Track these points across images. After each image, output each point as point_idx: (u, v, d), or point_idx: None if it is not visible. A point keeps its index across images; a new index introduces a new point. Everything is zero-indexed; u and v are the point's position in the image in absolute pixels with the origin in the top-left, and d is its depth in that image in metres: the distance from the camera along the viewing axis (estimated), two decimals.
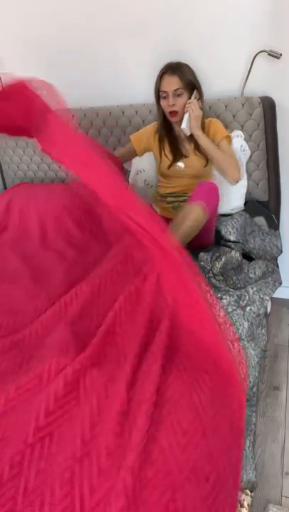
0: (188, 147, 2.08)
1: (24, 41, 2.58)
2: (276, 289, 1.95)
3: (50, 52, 2.55)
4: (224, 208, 2.16)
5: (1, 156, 2.91)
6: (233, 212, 2.15)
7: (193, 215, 1.80)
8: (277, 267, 2.09)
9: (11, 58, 2.65)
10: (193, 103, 1.94)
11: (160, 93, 1.95)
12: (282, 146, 2.24)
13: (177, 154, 2.07)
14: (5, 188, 2.99)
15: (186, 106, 1.95)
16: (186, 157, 2.07)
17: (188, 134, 1.99)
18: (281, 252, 2.14)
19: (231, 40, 2.15)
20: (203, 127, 1.99)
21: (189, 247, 1.87)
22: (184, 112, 1.96)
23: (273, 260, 2.07)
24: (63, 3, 2.40)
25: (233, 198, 2.17)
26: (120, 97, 2.44)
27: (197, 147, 2.03)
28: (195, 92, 1.97)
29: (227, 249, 1.82)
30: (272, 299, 1.98)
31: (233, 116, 2.18)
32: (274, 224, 2.22)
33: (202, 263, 1.79)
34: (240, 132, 2.16)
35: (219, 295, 1.68)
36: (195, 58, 2.21)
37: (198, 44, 2.21)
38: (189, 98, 1.96)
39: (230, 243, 1.95)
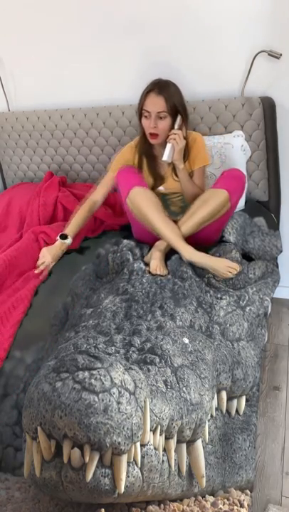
0: (166, 169, 2.00)
1: (23, 42, 2.58)
2: (275, 289, 1.95)
3: (50, 53, 2.55)
4: None
5: (1, 156, 2.91)
6: None
7: (216, 200, 1.78)
8: (277, 267, 2.09)
9: (11, 58, 2.65)
10: (178, 134, 1.83)
11: (142, 111, 1.86)
12: (282, 146, 2.24)
13: (157, 179, 1.99)
14: (5, 188, 2.99)
15: (170, 136, 1.84)
16: (164, 181, 2.00)
17: (169, 162, 1.90)
18: (281, 251, 2.14)
19: (231, 40, 2.15)
20: (186, 141, 1.90)
21: (192, 244, 1.88)
22: (167, 141, 1.86)
23: (273, 261, 2.07)
24: (64, 3, 2.40)
25: None
26: (120, 97, 2.44)
27: (176, 172, 1.94)
28: (179, 118, 1.86)
29: (227, 248, 1.82)
30: (272, 299, 1.98)
31: (233, 116, 2.18)
32: (274, 224, 2.22)
33: None
34: (240, 132, 2.16)
35: (219, 295, 1.68)
36: (195, 58, 2.22)
37: (198, 44, 2.21)
38: (173, 122, 1.85)
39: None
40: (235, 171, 1.89)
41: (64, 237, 2.04)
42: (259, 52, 2.10)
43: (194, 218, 1.81)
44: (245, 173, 2.18)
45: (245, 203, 2.22)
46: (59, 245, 2.03)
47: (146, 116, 1.85)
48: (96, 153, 2.59)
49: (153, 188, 1.98)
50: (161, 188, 2.00)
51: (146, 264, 1.78)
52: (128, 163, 2.00)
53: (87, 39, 2.43)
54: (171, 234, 1.79)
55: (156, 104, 1.82)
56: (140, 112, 1.87)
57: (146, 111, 1.84)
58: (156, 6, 2.22)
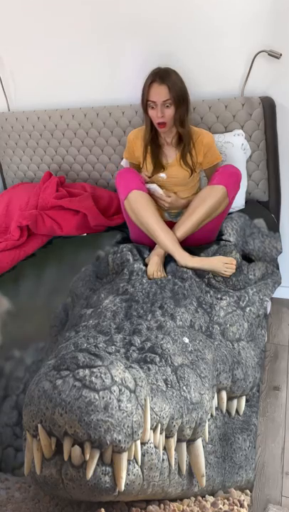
0: (173, 156, 1.98)
1: (23, 42, 2.58)
2: (275, 290, 1.95)
3: (50, 53, 2.55)
4: None
5: (1, 156, 2.91)
6: (233, 210, 2.15)
7: (214, 197, 1.80)
8: (277, 268, 2.09)
9: (11, 59, 2.66)
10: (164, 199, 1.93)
11: (148, 102, 1.86)
12: (282, 146, 2.25)
13: (157, 165, 1.98)
14: (5, 188, 2.99)
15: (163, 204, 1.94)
16: (166, 168, 1.98)
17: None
18: (280, 253, 2.14)
19: (231, 40, 2.15)
20: (190, 138, 1.92)
21: (189, 244, 1.88)
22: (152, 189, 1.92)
23: (273, 262, 2.07)
24: (64, 3, 2.40)
25: None
26: (120, 97, 2.45)
27: (184, 158, 1.94)
28: (155, 186, 1.93)
29: (227, 249, 1.83)
30: (272, 299, 1.98)
31: (233, 116, 2.18)
32: (274, 226, 2.22)
33: None
34: (240, 131, 2.16)
35: (219, 295, 1.68)
36: (195, 58, 2.22)
37: (198, 44, 2.21)
38: (176, 109, 1.84)
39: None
40: (231, 167, 1.89)
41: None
42: (259, 52, 2.10)
43: (193, 217, 1.82)
44: (245, 172, 2.19)
45: (246, 203, 2.22)
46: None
47: (152, 107, 1.86)
48: (96, 153, 2.59)
49: (151, 176, 1.99)
50: (162, 175, 1.98)
51: (147, 265, 1.79)
52: (137, 148, 2.02)
53: (87, 39, 2.43)
54: (166, 239, 1.81)
55: (161, 93, 1.82)
56: (145, 104, 1.87)
57: (151, 101, 1.84)
58: (157, 7, 2.22)
